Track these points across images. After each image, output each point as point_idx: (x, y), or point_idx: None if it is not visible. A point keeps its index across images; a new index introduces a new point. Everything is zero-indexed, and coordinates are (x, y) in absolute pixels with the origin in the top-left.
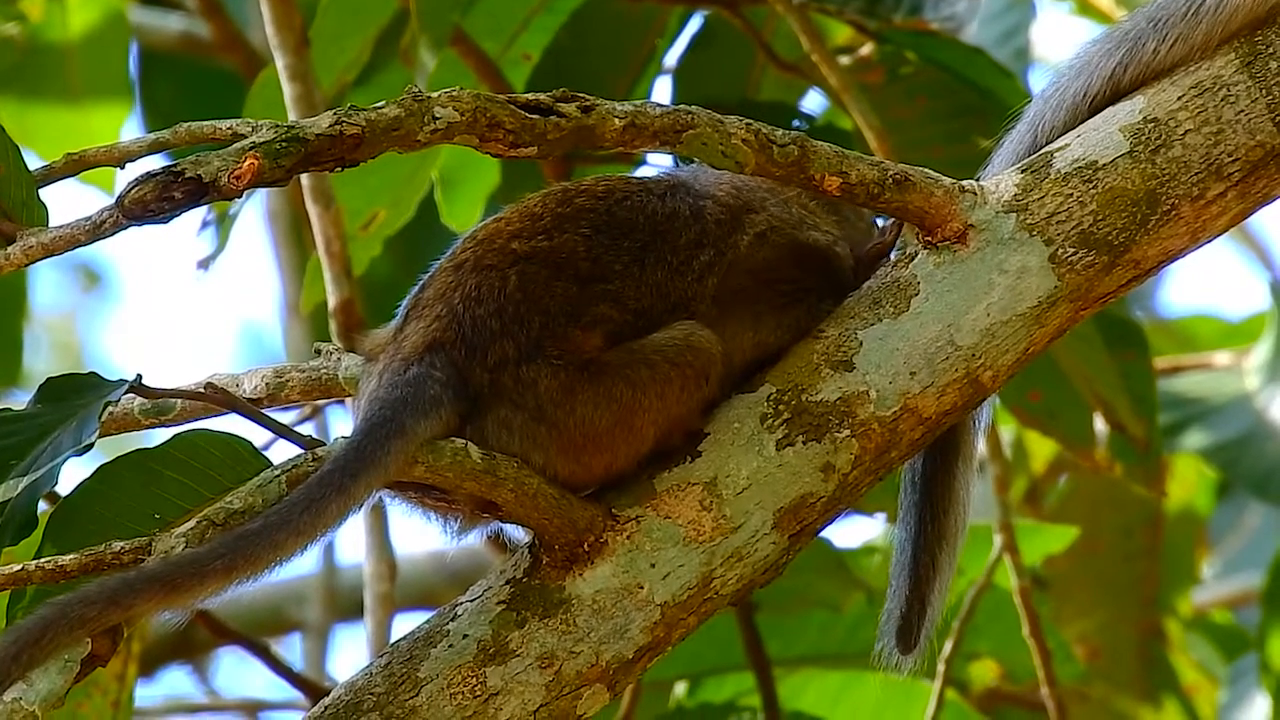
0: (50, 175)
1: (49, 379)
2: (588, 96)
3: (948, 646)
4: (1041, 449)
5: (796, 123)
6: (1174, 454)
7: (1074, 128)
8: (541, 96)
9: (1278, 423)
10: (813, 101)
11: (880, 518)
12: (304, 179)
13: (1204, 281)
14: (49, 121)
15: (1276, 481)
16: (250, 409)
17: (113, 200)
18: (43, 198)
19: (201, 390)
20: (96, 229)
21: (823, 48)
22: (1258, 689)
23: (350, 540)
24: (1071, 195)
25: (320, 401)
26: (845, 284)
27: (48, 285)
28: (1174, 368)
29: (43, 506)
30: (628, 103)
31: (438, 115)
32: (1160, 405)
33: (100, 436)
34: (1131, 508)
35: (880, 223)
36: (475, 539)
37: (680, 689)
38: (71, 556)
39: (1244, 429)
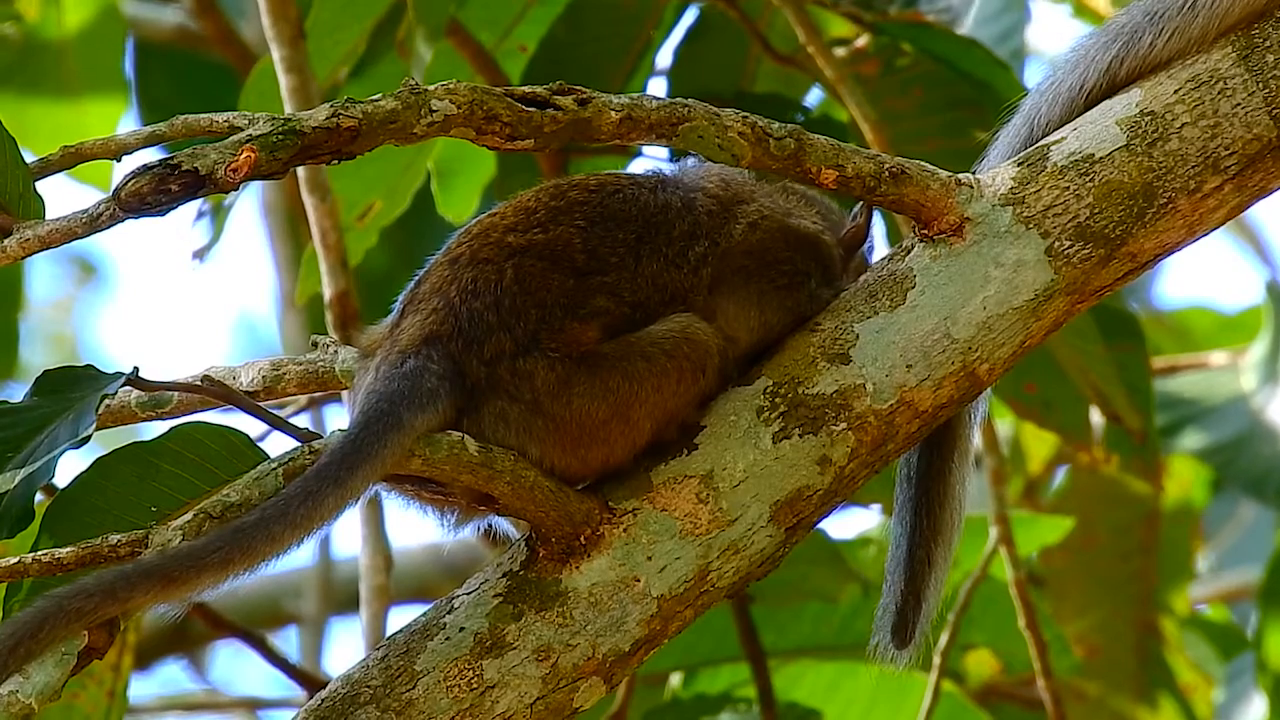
0: (47, 168)
1: (46, 371)
2: (584, 89)
3: (943, 639)
4: (1039, 448)
5: (800, 117)
6: (1170, 454)
7: (1070, 121)
8: (538, 89)
9: (1273, 423)
10: (808, 93)
11: (876, 510)
12: (300, 171)
13: (1200, 274)
14: (45, 118)
15: (1271, 482)
16: (247, 402)
17: (109, 193)
18: (39, 190)
19: (198, 383)
20: (93, 222)
21: (818, 40)
22: (1254, 688)
23: (346, 533)
24: (1068, 188)
25: (317, 394)
26: (835, 273)
27: (43, 277)
28: (1170, 367)
29: (40, 499)
30: (624, 96)
31: (434, 108)
32: (1157, 405)
33: (97, 429)
34: (1127, 505)
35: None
36: (471, 532)
37: (675, 680)
38: (68, 549)
39: (1240, 430)
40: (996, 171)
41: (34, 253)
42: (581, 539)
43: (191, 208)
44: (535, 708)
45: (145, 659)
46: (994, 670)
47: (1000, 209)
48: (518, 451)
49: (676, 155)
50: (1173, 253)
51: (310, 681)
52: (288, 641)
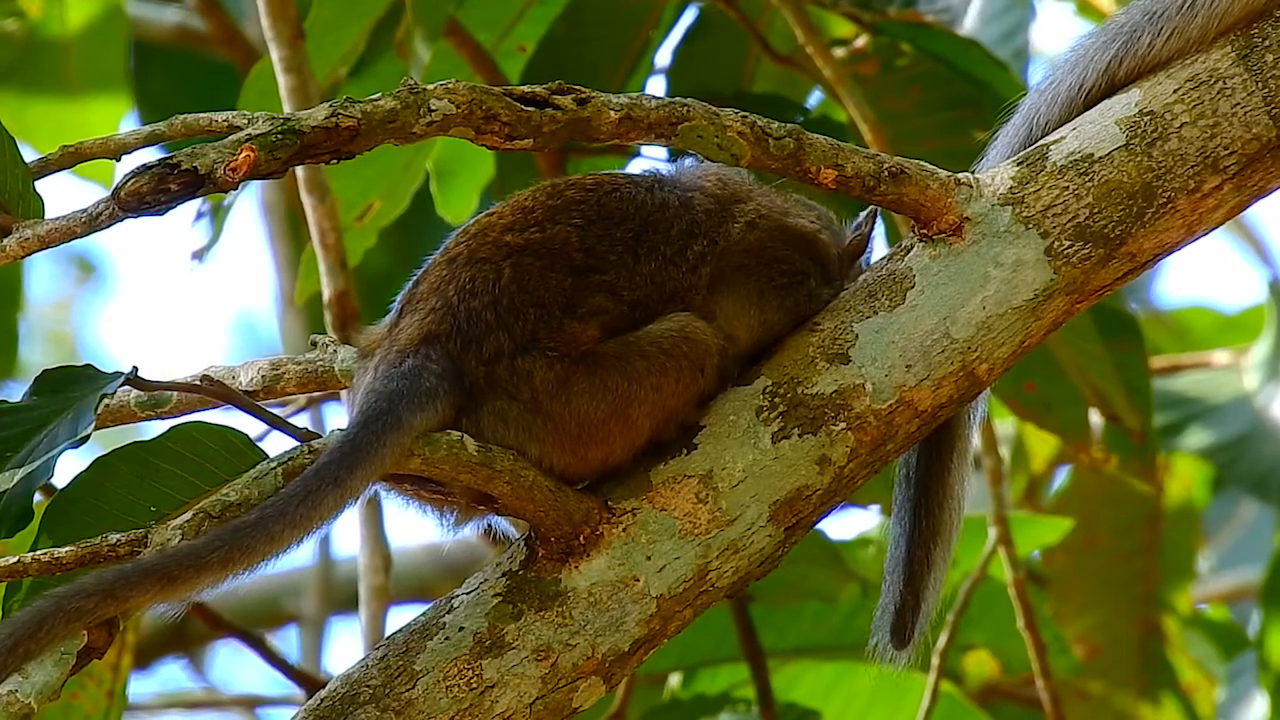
0: (46, 167)
1: (45, 371)
2: (583, 89)
3: (942, 639)
4: (1041, 448)
5: (799, 117)
6: (1173, 453)
7: (1069, 121)
8: (537, 89)
9: (1276, 422)
10: (808, 93)
11: (875, 510)
12: (299, 170)
13: (1200, 274)
14: (47, 116)
15: (1275, 481)
16: (246, 401)
17: (109, 192)
18: (39, 190)
19: (198, 383)
20: (92, 221)
21: (818, 40)
22: (1256, 687)
23: (346, 533)
24: (1067, 188)
25: (316, 394)
26: (833, 272)
27: (42, 276)
28: (1172, 366)
29: (39, 498)
30: (623, 95)
31: (433, 108)
32: (1159, 404)
33: (96, 429)
34: (1130, 505)
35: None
36: (471, 532)
37: (675, 680)
38: (67, 549)
39: (1243, 429)
40: (996, 171)
41: (33, 252)
42: (581, 539)
43: (191, 207)
44: (535, 707)
45: (145, 658)
46: (993, 671)
47: (1000, 209)
48: (517, 451)
49: (675, 155)
50: (1172, 252)
51: (309, 681)
52: (288, 641)
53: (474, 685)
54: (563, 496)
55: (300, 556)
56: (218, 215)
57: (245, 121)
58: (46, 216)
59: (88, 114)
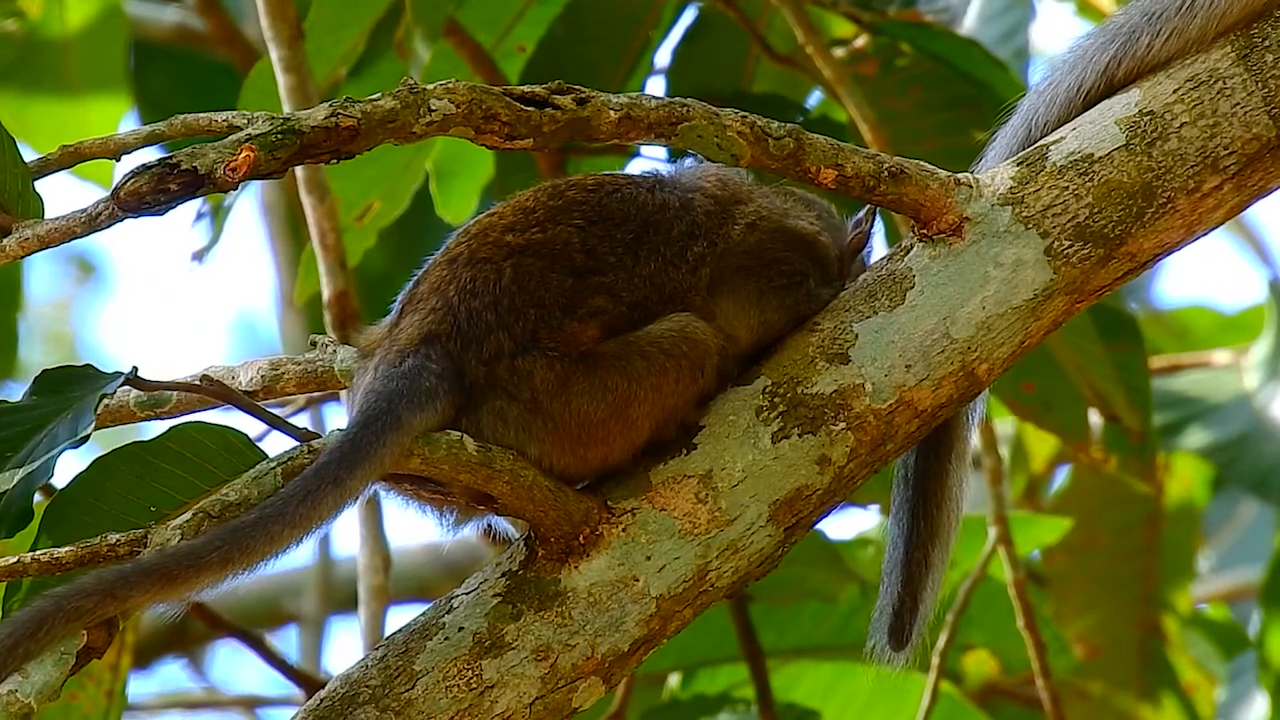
0: (46, 167)
1: (45, 371)
2: (583, 89)
3: (942, 639)
4: (1041, 447)
5: (799, 118)
6: (1173, 453)
7: (1067, 121)
8: (537, 89)
9: (1277, 422)
10: (808, 93)
11: (874, 510)
12: (299, 171)
13: (1200, 274)
14: (47, 116)
15: (1275, 481)
16: (246, 401)
17: (109, 192)
18: (39, 190)
19: (197, 383)
20: (92, 221)
21: (817, 40)
22: (1256, 687)
23: (346, 533)
24: (1067, 188)
25: (316, 394)
26: (833, 272)
27: (42, 276)
28: (1173, 366)
29: (39, 498)
30: (623, 95)
31: (433, 107)
32: (1159, 404)
33: (96, 429)
34: (1130, 505)
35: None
36: (471, 532)
37: (674, 680)
38: (67, 549)
39: (1243, 428)
40: (996, 171)
41: (33, 252)
42: (580, 539)
43: (191, 208)
44: (534, 707)
45: (144, 658)
46: (993, 671)
47: (999, 209)
48: (516, 450)
49: (675, 155)
50: (1172, 252)
51: (307, 681)
52: (288, 641)
53: (473, 685)
54: (563, 496)
55: (300, 556)
56: (218, 215)
57: (245, 121)
58: (46, 216)
59: (88, 114)
